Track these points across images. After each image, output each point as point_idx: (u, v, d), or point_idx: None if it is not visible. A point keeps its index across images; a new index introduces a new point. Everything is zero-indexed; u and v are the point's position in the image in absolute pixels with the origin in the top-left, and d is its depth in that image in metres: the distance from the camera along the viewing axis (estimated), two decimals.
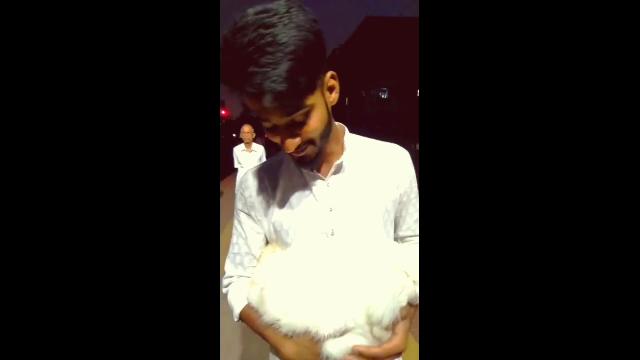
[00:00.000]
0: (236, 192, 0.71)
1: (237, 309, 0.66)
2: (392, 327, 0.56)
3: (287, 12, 0.47)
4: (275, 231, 0.65)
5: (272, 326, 0.58)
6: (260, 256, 0.69)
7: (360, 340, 0.55)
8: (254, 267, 0.69)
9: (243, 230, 0.69)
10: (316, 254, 0.61)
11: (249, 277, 0.68)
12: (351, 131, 0.70)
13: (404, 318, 0.57)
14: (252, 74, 0.45)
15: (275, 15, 0.46)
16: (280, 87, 0.46)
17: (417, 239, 0.73)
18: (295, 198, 0.64)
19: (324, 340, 0.54)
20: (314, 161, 0.59)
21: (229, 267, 0.71)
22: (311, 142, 0.56)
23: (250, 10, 0.47)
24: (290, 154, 0.57)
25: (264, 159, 3.92)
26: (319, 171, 0.64)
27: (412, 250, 0.62)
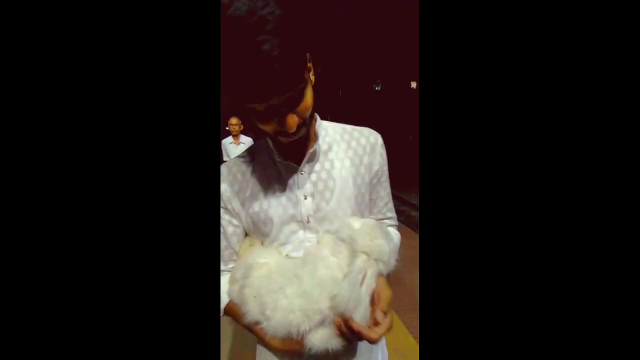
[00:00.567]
0: None
1: (221, 304, 0.67)
2: (372, 308, 0.57)
3: None
4: (253, 222, 0.67)
5: (256, 325, 0.61)
6: (239, 250, 0.70)
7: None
8: (234, 260, 0.70)
9: (220, 224, 0.69)
10: (289, 248, 0.65)
11: (229, 272, 0.70)
12: (345, 122, 0.72)
13: (384, 297, 0.59)
14: (261, 41, 0.45)
15: None
16: (289, 53, 0.46)
17: (388, 222, 0.76)
18: (270, 188, 0.65)
19: (306, 334, 0.56)
20: (295, 148, 0.60)
21: None
22: (304, 122, 0.56)
23: None
24: (283, 138, 0.57)
25: None
26: (292, 160, 0.64)
27: (368, 224, 0.61)
